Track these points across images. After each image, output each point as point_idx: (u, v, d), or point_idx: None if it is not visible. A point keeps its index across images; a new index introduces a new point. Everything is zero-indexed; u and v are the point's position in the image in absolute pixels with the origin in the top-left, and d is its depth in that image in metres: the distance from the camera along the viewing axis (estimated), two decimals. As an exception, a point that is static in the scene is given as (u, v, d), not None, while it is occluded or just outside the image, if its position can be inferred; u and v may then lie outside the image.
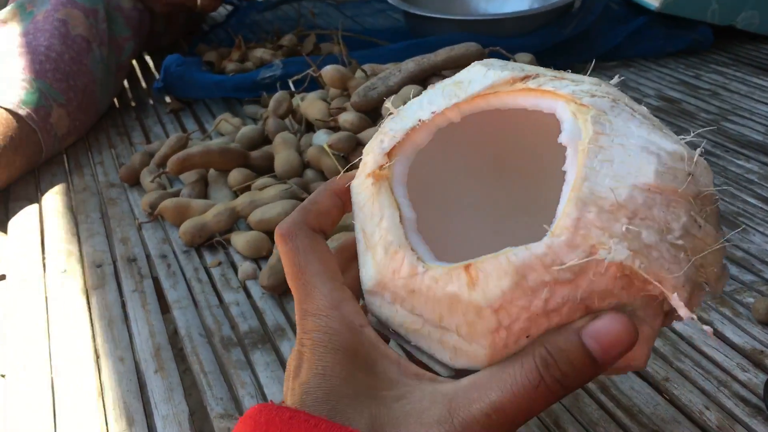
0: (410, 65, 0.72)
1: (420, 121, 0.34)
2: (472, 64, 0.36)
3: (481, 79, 0.34)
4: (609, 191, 0.28)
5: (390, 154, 0.34)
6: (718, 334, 0.52)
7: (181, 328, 0.55)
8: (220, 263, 0.63)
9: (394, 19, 1.32)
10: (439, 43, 0.78)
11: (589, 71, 0.84)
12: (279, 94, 0.79)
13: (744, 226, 0.66)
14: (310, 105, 0.76)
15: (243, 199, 0.66)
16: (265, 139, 0.78)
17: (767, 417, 0.45)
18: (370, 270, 0.33)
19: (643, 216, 0.28)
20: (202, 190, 0.72)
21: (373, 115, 0.71)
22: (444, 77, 0.71)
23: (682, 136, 0.32)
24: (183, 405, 0.47)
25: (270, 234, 0.63)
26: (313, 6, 1.37)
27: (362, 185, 0.34)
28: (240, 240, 0.63)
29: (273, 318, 0.55)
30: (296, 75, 0.84)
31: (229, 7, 1.36)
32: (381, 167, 0.33)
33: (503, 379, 0.28)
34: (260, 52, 1.03)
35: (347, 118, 0.69)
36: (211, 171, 0.73)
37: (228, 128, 0.84)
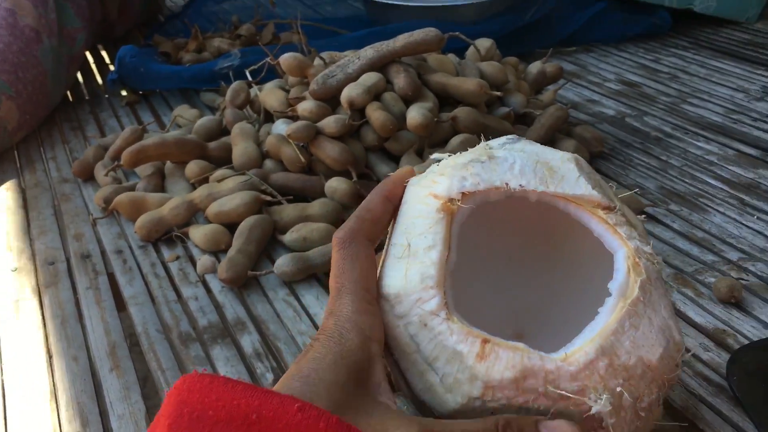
0: (369, 52, 0.71)
1: (505, 184, 0.36)
2: (564, 154, 0.38)
3: (573, 182, 0.37)
4: (625, 353, 0.33)
5: (465, 195, 0.36)
6: (681, 315, 0.52)
7: (138, 324, 0.53)
8: (177, 257, 0.61)
9: (354, 7, 1.31)
10: (399, 30, 0.77)
11: (548, 55, 0.84)
12: (236, 84, 0.77)
13: (705, 206, 0.66)
14: (269, 94, 0.74)
15: (201, 192, 0.65)
16: (223, 130, 0.77)
17: (730, 395, 0.45)
18: (397, 280, 0.35)
19: (633, 383, 0.33)
20: (159, 183, 0.70)
21: (332, 102, 0.70)
22: (403, 64, 0.71)
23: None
24: (140, 404, 0.46)
25: (228, 226, 0.62)
26: (272, -5, 1.35)
27: (424, 200, 0.36)
28: (198, 233, 0.61)
29: (233, 312, 0.54)
30: (255, 64, 0.83)
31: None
32: (453, 201, 0.35)
33: (468, 423, 0.31)
34: (218, 42, 1.01)
35: (306, 106, 0.68)
36: (168, 163, 0.71)
37: (186, 119, 0.82)
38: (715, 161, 0.75)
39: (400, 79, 0.68)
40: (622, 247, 0.36)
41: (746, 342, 0.49)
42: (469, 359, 0.32)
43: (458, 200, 0.35)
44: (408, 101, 0.68)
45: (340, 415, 0.27)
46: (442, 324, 0.33)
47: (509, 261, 0.46)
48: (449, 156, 0.39)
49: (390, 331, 0.34)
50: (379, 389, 0.32)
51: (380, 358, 0.33)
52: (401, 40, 0.71)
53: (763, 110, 0.86)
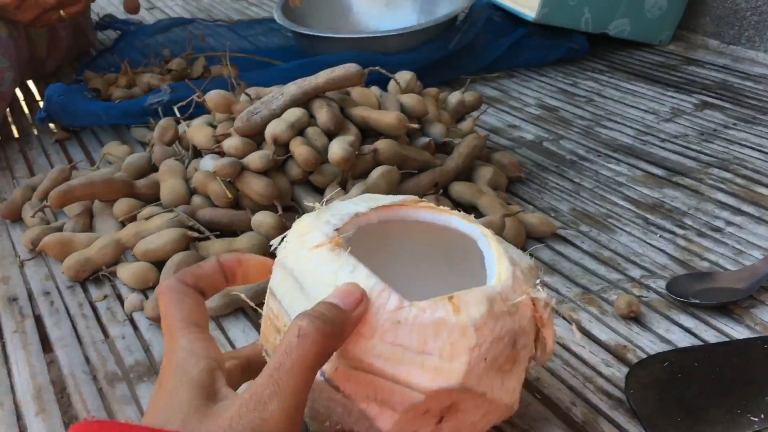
0: (292, 88, 0.74)
1: (357, 213, 0.44)
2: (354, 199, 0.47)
3: (391, 198, 0.47)
4: (519, 261, 0.43)
5: (338, 230, 0.41)
6: (586, 333, 0.56)
7: (64, 366, 0.54)
8: (105, 297, 0.62)
9: (287, 37, 1.33)
10: (329, 61, 0.80)
11: (466, 85, 0.87)
12: (163, 121, 0.79)
13: (612, 226, 0.70)
14: (196, 131, 0.76)
15: (128, 230, 0.66)
16: (152, 167, 0.78)
17: (628, 408, 0.48)
18: None
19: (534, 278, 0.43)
20: (87, 222, 0.71)
21: (258, 138, 0.72)
22: (326, 98, 0.73)
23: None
24: (65, 446, 0.47)
25: (157, 264, 0.63)
26: (204, 27, 1.37)
27: (307, 255, 0.40)
28: (126, 272, 0.63)
29: (160, 349, 0.55)
30: (185, 100, 0.84)
31: (118, 32, 1.34)
32: (336, 238, 0.41)
33: (274, 353, 0.34)
34: (148, 77, 1.02)
35: (231, 143, 0.70)
36: (96, 202, 0.72)
37: (116, 156, 0.83)
38: (624, 182, 0.79)
39: (322, 114, 0.71)
40: (451, 216, 0.46)
41: (645, 356, 0.53)
42: (451, 318, 0.37)
43: (337, 234, 0.41)
44: (331, 135, 0.71)
45: (183, 427, 0.32)
46: (411, 310, 0.37)
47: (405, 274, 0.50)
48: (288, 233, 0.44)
49: (369, 353, 0.37)
50: (218, 395, 0.35)
51: (216, 372, 0.35)
52: (323, 77, 0.74)
53: (671, 131, 0.92)
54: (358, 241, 0.43)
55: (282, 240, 0.43)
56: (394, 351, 0.37)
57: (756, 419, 0.46)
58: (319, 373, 0.38)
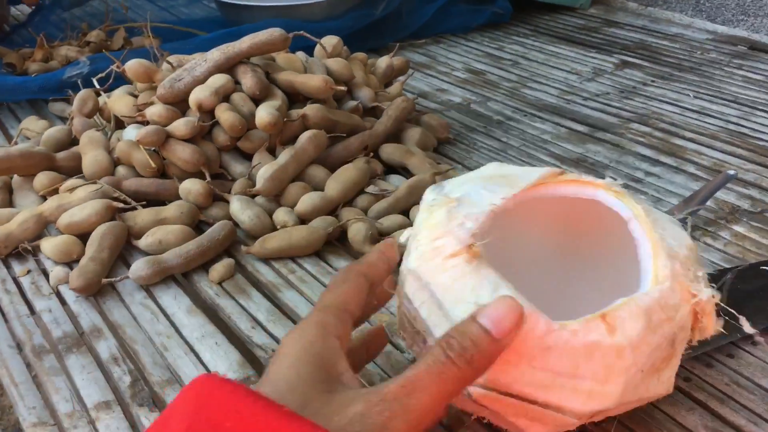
0: (216, 54, 0.72)
1: (493, 205, 0.38)
2: (484, 168, 0.44)
3: (528, 174, 0.41)
4: (677, 249, 0.38)
5: (475, 236, 0.37)
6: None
7: (-11, 342, 0.52)
8: (29, 271, 0.60)
9: (209, 8, 1.31)
10: (253, 30, 0.79)
11: (395, 50, 0.87)
12: (83, 93, 0.76)
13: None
14: (117, 101, 0.74)
15: (50, 204, 0.64)
16: (73, 140, 0.76)
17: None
18: None
19: (694, 267, 0.38)
20: (6, 198, 0.68)
21: (182, 106, 0.71)
22: (250, 64, 0.72)
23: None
24: (-8, 420, 0.46)
25: (81, 236, 0.61)
26: (123, -1, 1.32)
27: (442, 266, 0.36)
28: (49, 245, 0.61)
29: (88, 320, 0.54)
30: (104, 71, 0.82)
31: (32, 7, 1.29)
32: (471, 246, 0.36)
33: (415, 365, 0.32)
34: (65, 51, 0.98)
35: (155, 111, 0.69)
36: (15, 177, 0.70)
37: (34, 132, 0.80)
38: (549, 139, 0.81)
39: (248, 80, 0.70)
40: (597, 189, 0.41)
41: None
42: (605, 340, 0.34)
43: (475, 242, 0.36)
44: (257, 101, 0.70)
45: (303, 406, 0.30)
46: (561, 334, 0.34)
47: (537, 267, 0.47)
48: (410, 230, 0.41)
49: (520, 381, 0.34)
50: (342, 377, 0.33)
51: (341, 352, 0.34)
52: (247, 41, 0.73)
53: (593, 90, 0.94)
54: (488, 228, 0.39)
55: (409, 239, 0.40)
56: (544, 377, 0.34)
57: None
58: (465, 394, 0.36)
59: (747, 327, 0.38)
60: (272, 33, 0.73)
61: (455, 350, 0.31)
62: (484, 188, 0.40)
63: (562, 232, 0.47)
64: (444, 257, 0.37)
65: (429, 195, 0.42)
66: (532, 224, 0.46)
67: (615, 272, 0.41)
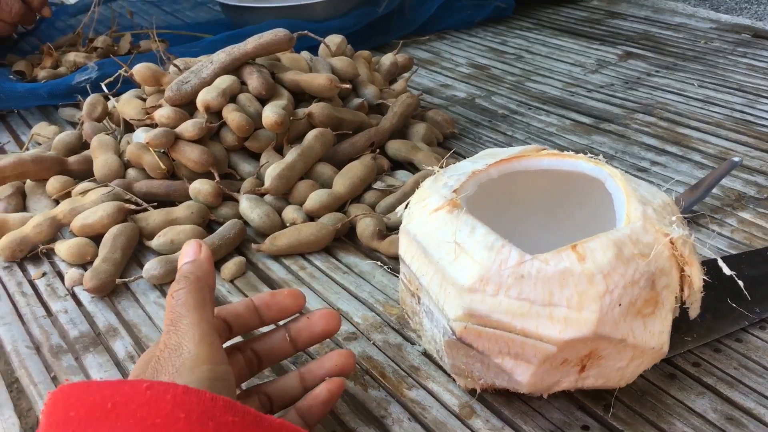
0: (222, 56, 0.73)
1: (474, 171, 0.44)
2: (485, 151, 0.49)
3: (510, 150, 0.46)
4: (651, 199, 0.41)
5: (456, 191, 0.42)
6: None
7: (7, 343, 0.53)
8: (44, 274, 0.61)
9: (215, 11, 1.32)
10: (257, 31, 0.80)
11: (399, 47, 0.88)
12: (91, 98, 0.77)
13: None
14: (126, 104, 0.75)
15: (63, 207, 0.65)
16: (83, 145, 0.77)
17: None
18: (468, 271, 0.38)
19: (669, 217, 0.40)
20: (20, 203, 0.69)
21: (190, 108, 0.71)
22: (256, 65, 0.73)
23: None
24: (13, 418, 0.47)
25: (94, 238, 0.62)
26: (129, 4, 1.34)
27: (427, 219, 0.41)
28: (63, 248, 0.62)
29: (104, 320, 0.55)
30: (112, 76, 0.83)
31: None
32: (454, 200, 0.41)
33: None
34: (73, 56, 0.99)
35: (163, 113, 0.69)
36: (28, 182, 0.71)
37: (45, 137, 0.81)
38: (555, 132, 0.82)
39: (253, 80, 0.71)
40: (577, 160, 0.45)
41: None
42: (576, 267, 0.37)
43: (456, 195, 0.42)
44: (263, 101, 0.71)
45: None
46: (533, 263, 0.37)
47: (523, 227, 0.50)
48: (410, 200, 0.45)
49: (498, 310, 0.37)
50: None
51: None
52: (251, 43, 0.74)
53: (597, 81, 0.95)
54: (480, 200, 0.43)
55: (406, 207, 0.44)
56: (520, 305, 0.37)
57: None
58: (449, 333, 0.39)
59: (726, 269, 0.39)
60: (276, 33, 0.74)
61: (176, 285, 0.37)
62: (470, 162, 0.45)
63: (550, 203, 0.50)
64: (429, 212, 0.41)
65: (426, 182, 0.45)
66: (522, 196, 0.49)
67: (602, 228, 0.42)
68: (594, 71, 0.98)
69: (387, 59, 0.88)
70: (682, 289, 0.40)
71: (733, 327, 0.49)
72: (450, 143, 0.80)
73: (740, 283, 0.39)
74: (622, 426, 0.42)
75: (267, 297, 0.43)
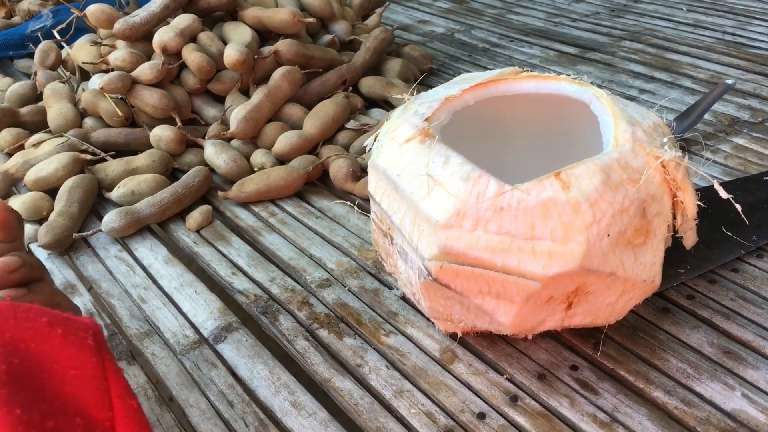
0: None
1: (447, 97, 0.39)
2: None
3: (487, 74, 0.42)
4: (640, 120, 0.37)
5: (428, 119, 0.38)
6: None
7: (-43, 306, 0.50)
8: (-2, 232, 0.57)
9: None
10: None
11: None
12: (43, 45, 0.73)
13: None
14: (80, 50, 0.70)
15: (15, 160, 0.61)
16: (39, 96, 0.72)
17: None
18: (443, 205, 0.34)
19: (660, 138, 0.36)
20: (-29, 158, 0.65)
21: (148, 51, 0.67)
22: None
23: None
24: (-37, 385, 0.43)
25: (51, 192, 0.59)
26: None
27: (398, 152, 0.37)
28: (17, 203, 0.58)
29: (62, 276, 0.52)
30: (66, 21, 0.78)
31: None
32: (426, 129, 0.37)
33: None
34: (27, 4, 0.94)
35: (118, 56, 0.65)
36: (-22, 137, 0.67)
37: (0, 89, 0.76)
38: (538, 63, 0.77)
39: None
40: (559, 82, 0.41)
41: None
42: (560, 196, 0.33)
43: (428, 124, 0.37)
44: (225, 41, 0.67)
45: None
46: (513, 194, 0.33)
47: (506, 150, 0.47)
48: (379, 132, 0.41)
49: (476, 246, 0.34)
50: None
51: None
52: (210, -24, 0.69)
53: (581, 10, 0.90)
54: (455, 129, 0.39)
55: (375, 140, 0.40)
56: (500, 240, 0.33)
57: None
58: (425, 273, 0.35)
59: (722, 192, 0.35)
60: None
61: None
62: (443, 88, 0.41)
63: (531, 130, 0.46)
64: (399, 144, 0.37)
65: (395, 111, 0.41)
66: (501, 124, 0.46)
67: (589, 154, 0.39)
68: (578, 0, 0.93)
69: (359, -6, 0.83)
70: (674, 217, 0.36)
71: (728, 256, 0.46)
72: (428, 79, 0.76)
73: (738, 207, 0.36)
74: (613, 364, 0.39)
75: None
